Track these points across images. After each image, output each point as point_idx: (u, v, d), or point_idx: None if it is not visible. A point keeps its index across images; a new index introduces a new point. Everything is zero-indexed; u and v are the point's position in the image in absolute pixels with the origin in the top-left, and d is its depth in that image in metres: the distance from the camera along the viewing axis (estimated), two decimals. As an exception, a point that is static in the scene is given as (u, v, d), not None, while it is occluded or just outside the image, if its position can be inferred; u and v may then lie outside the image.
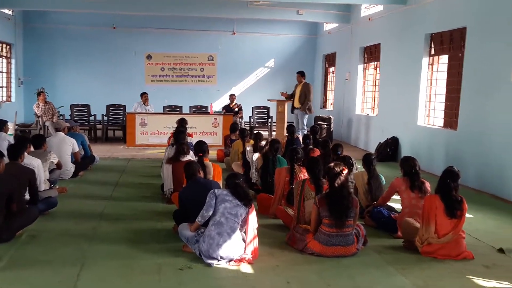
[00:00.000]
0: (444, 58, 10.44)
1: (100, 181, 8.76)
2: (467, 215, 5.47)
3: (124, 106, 14.86)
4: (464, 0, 9.44)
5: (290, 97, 13.04)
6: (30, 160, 6.58)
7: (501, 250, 5.39)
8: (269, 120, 15.77)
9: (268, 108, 15.97)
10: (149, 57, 18.06)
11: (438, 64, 10.67)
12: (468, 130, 9.11)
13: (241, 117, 15.07)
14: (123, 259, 4.91)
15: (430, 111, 10.89)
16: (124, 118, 14.20)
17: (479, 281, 4.57)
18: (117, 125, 14.86)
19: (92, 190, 8.05)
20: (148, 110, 14.00)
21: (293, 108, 13.07)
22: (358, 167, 7.86)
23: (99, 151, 11.63)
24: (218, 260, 4.80)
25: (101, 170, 9.74)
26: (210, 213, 4.95)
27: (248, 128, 14.44)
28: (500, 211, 7.26)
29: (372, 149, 12.62)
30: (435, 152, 10.16)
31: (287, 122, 12.80)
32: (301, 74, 12.99)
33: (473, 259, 5.11)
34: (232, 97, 15.32)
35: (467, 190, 8.43)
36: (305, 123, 12.95)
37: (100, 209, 6.80)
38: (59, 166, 8.14)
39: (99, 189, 8.11)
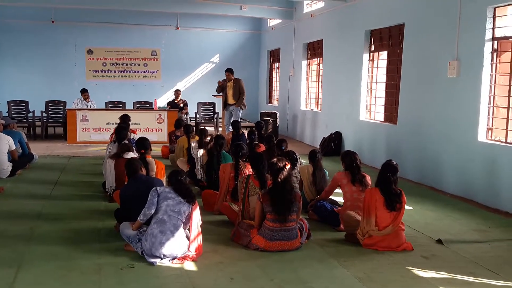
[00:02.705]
0: (384, 54, 10.70)
1: (39, 180, 8.48)
2: (406, 207, 5.65)
3: (64, 102, 14.46)
4: (402, -2, 9.70)
5: (221, 90, 12.92)
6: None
7: (439, 241, 5.57)
8: (215, 116, 15.71)
9: (213, 104, 15.90)
10: (90, 51, 17.60)
11: (378, 60, 10.92)
12: (407, 124, 9.38)
13: (187, 113, 14.93)
14: (62, 260, 4.76)
15: (372, 106, 11.14)
16: (65, 115, 13.78)
17: (418, 271, 4.70)
18: (57, 122, 14.44)
19: (30, 189, 7.79)
20: (90, 106, 13.65)
21: (226, 105, 12.98)
22: (303, 161, 7.96)
23: (39, 149, 11.27)
24: (161, 259, 4.73)
25: (40, 169, 9.44)
26: (152, 211, 4.87)
27: (193, 124, 14.33)
28: (438, 202, 7.51)
29: (317, 144, 12.80)
30: (376, 146, 10.40)
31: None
32: (230, 71, 12.91)
33: (412, 250, 5.26)
34: (177, 92, 15.16)
35: (407, 183, 8.68)
36: (239, 118, 12.93)
37: (38, 209, 6.59)
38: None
39: (38, 188, 7.85)
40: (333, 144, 11.99)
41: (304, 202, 6.18)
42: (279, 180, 5.21)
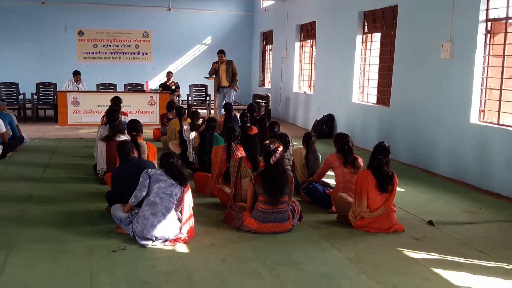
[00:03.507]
0: (377, 36, 10.64)
1: (30, 162, 8.42)
2: (398, 189, 5.65)
3: (55, 84, 14.32)
4: (396, -21, 9.61)
5: (214, 73, 12.81)
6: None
7: (430, 223, 5.59)
8: (207, 98, 15.63)
9: (206, 86, 15.79)
10: (80, 33, 17.39)
11: (371, 42, 10.86)
12: (400, 106, 9.37)
13: (179, 95, 14.85)
14: (53, 243, 4.73)
15: (364, 88, 11.11)
16: (55, 97, 13.66)
17: (409, 253, 4.71)
18: (48, 104, 14.32)
19: (21, 171, 7.72)
20: (81, 88, 13.53)
21: (219, 87, 12.90)
22: (295, 144, 7.94)
23: (29, 131, 11.17)
24: (153, 241, 4.71)
25: (30, 151, 9.36)
26: (144, 193, 4.84)
27: (186, 106, 14.25)
28: (430, 184, 7.53)
29: (309, 127, 12.78)
30: (369, 128, 10.40)
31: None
32: (223, 53, 12.79)
33: (404, 231, 5.27)
34: (169, 74, 15.05)
35: (399, 165, 8.70)
36: (232, 100, 12.86)
37: (29, 191, 6.54)
38: (-16, 147, 7.74)
39: (28, 170, 7.79)
40: (325, 126, 11.98)
41: (297, 184, 6.17)
42: (272, 162, 5.19)
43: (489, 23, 7.31)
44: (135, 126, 6.48)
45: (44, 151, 9.34)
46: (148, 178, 4.89)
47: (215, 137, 7.42)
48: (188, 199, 4.98)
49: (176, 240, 4.81)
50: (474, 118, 7.53)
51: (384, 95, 10.19)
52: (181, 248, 4.71)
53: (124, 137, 6.77)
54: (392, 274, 4.23)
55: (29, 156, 8.90)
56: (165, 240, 4.77)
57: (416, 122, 8.84)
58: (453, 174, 7.84)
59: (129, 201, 4.90)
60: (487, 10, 7.29)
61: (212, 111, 14.36)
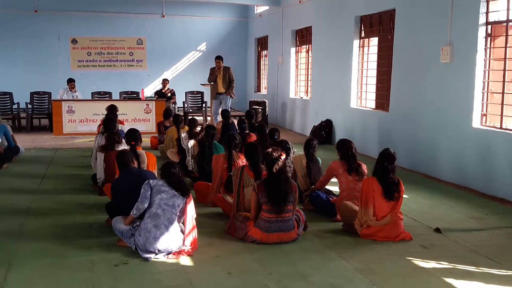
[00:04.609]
0: (374, 41, 10.58)
1: (26, 173, 8.28)
2: (402, 195, 5.55)
3: (49, 93, 14.19)
4: (393, -17, 9.55)
5: (213, 80, 12.71)
6: None
7: (437, 230, 5.49)
8: (203, 105, 15.52)
9: (202, 93, 15.70)
10: (74, 41, 17.25)
11: (368, 46, 10.80)
12: (399, 111, 9.29)
13: (175, 103, 14.75)
14: (53, 257, 4.61)
15: (362, 93, 11.04)
16: (50, 106, 13.52)
17: (419, 262, 4.61)
18: (42, 113, 14.19)
19: (17, 183, 7.59)
20: (76, 97, 13.39)
21: (216, 94, 12.79)
22: (295, 150, 7.84)
23: (24, 141, 11.03)
24: (156, 254, 4.59)
25: (26, 162, 9.23)
26: (146, 205, 4.72)
27: (182, 113, 14.14)
28: (433, 190, 7.44)
29: (307, 133, 12.69)
30: (368, 134, 10.32)
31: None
32: (221, 59, 12.72)
33: (411, 239, 5.17)
34: (164, 82, 14.94)
35: (400, 170, 8.53)
36: (229, 107, 12.77)
37: (26, 204, 6.40)
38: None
39: (25, 182, 7.65)
40: (323, 132, 11.90)
41: (299, 192, 6.05)
42: (275, 170, 5.09)
43: (489, 26, 7.25)
44: (134, 135, 6.36)
45: (40, 162, 9.20)
46: (150, 189, 4.77)
47: (214, 145, 7.31)
48: (191, 210, 4.86)
49: (179, 252, 4.69)
50: (476, 122, 7.45)
51: (383, 100, 10.12)
52: (185, 260, 4.60)
53: (123, 146, 6.65)
54: (403, 284, 4.13)
55: (25, 167, 8.76)
56: (169, 253, 4.65)
57: (416, 126, 8.76)
58: (456, 179, 7.76)
59: (131, 213, 4.78)
60: (487, 13, 7.23)
61: (208, 118, 14.25)
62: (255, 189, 5.11)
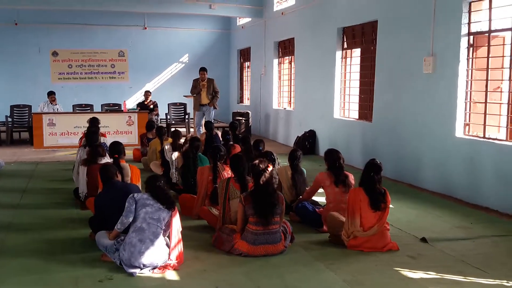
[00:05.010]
0: (357, 52, 10.63)
1: (6, 188, 8.12)
2: (388, 206, 5.54)
3: (30, 106, 14.00)
4: (375, -6, 9.63)
5: (198, 92, 12.65)
6: None
7: (424, 240, 5.48)
8: (186, 116, 15.44)
9: (184, 105, 15.62)
10: (54, 53, 17.08)
11: (351, 57, 10.85)
12: (382, 121, 9.33)
13: (157, 114, 14.65)
14: (36, 274, 4.49)
15: (346, 103, 11.07)
16: (30, 119, 13.33)
17: (406, 272, 4.59)
18: (22, 126, 13.99)
19: (-3, 198, 7.43)
20: (57, 109, 13.23)
21: (199, 105, 12.73)
22: (280, 161, 7.80)
23: (4, 155, 10.88)
24: (141, 269, 4.50)
25: (6, 176, 9.05)
26: (130, 219, 4.63)
27: (164, 125, 14.03)
28: (418, 199, 7.46)
29: (291, 143, 12.69)
30: (352, 144, 10.33)
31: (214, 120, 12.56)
32: (205, 70, 12.69)
33: (398, 250, 5.15)
34: (147, 94, 14.86)
35: (384, 180, 8.45)
36: (212, 118, 12.71)
37: (7, 220, 6.25)
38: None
39: (6, 196, 7.49)
40: (307, 142, 11.90)
41: (286, 204, 6.00)
42: (262, 182, 5.04)
43: (471, 37, 7.33)
44: (117, 148, 6.27)
45: (20, 176, 9.04)
46: (134, 203, 4.69)
47: (199, 157, 7.25)
48: (176, 223, 4.78)
49: (165, 267, 4.60)
50: (459, 132, 7.51)
51: (366, 110, 10.16)
52: (171, 275, 4.52)
53: (106, 159, 6.55)
54: (392, 296, 4.10)
55: (5, 182, 8.59)
56: (154, 268, 4.56)
57: (400, 136, 8.80)
58: (440, 189, 7.79)
59: (115, 227, 4.68)
60: (469, 23, 7.31)
61: (191, 130, 14.17)
62: (242, 201, 5.05)
